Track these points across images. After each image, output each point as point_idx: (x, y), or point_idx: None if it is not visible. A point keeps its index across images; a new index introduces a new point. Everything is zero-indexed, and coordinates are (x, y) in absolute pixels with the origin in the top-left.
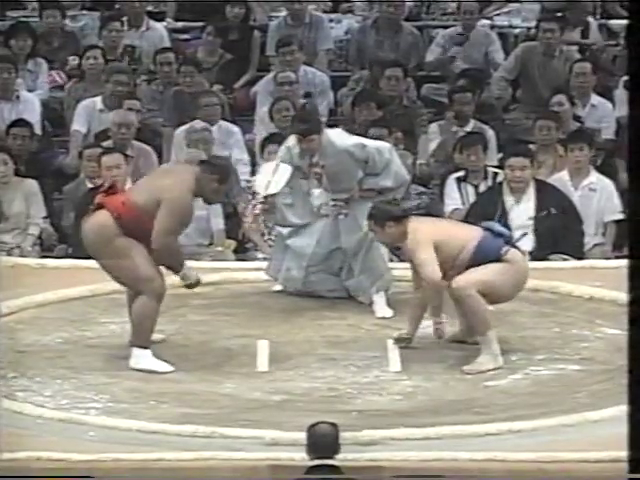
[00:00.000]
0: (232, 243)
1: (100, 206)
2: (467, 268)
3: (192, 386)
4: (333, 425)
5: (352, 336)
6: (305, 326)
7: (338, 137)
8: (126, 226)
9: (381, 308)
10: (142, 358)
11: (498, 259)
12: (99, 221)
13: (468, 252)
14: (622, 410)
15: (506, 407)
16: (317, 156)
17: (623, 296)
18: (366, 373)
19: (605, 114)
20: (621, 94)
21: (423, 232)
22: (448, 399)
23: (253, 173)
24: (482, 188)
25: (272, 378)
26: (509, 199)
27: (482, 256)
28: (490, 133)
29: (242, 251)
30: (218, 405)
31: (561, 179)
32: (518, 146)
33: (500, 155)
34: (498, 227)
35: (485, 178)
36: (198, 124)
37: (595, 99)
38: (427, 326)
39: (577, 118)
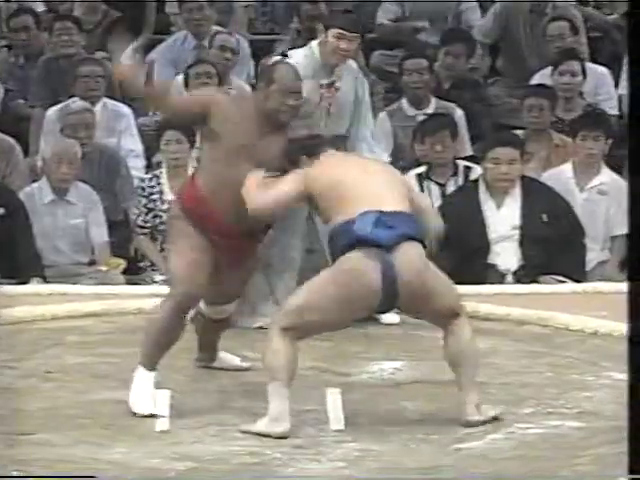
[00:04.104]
0: (120, 262)
1: None
2: None
3: (67, 451)
4: None
5: None
6: (218, 370)
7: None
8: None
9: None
10: (141, 383)
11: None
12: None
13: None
14: None
15: (484, 477)
16: (336, 74)
17: None
18: (299, 432)
19: (602, 83)
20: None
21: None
22: (407, 467)
23: (149, 167)
24: (451, 188)
25: (175, 440)
26: (488, 202)
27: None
28: (459, 114)
29: (134, 272)
30: (101, 476)
31: (561, 176)
32: (504, 133)
33: (476, 145)
34: (368, 219)
35: (454, 174)
36: (75, 103)
37: (587, 65)
38: (380, 370)
39: (579, 94)
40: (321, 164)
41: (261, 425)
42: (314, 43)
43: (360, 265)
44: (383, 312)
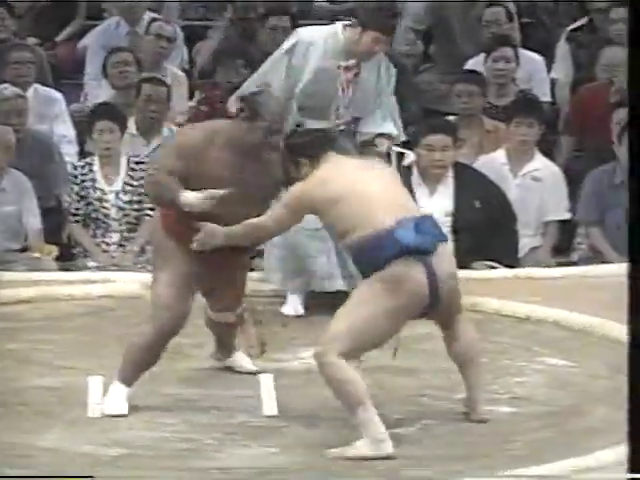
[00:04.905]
0: (53, 249)
1: None
2: None
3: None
4: None
5: (213, 370)
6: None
7: None
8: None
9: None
10: (116, 393)
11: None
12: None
13: (358, 240)
14: (570, 465)
15: (415, 462)
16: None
17: (570, 316)
18: (231, 418)
19: (535, 70)
20: (564, 49)
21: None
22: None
23: (82, 154)
24: None
25: (107, 426)
26: (420, 189)
27: (365, 258)
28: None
29: (67, 259)
30: (34, 462)
31: (495, 162)
32: (437, 119)
33: (406, 131)
34: (409, 226)
35: (387, 161)
36: (7, 90)
37: (520, 52)
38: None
39: (513, 81)
40: (326, 170)
41: (363, 449)
42: (339, 26)
43: (409, 272)
44: (422, 316)
